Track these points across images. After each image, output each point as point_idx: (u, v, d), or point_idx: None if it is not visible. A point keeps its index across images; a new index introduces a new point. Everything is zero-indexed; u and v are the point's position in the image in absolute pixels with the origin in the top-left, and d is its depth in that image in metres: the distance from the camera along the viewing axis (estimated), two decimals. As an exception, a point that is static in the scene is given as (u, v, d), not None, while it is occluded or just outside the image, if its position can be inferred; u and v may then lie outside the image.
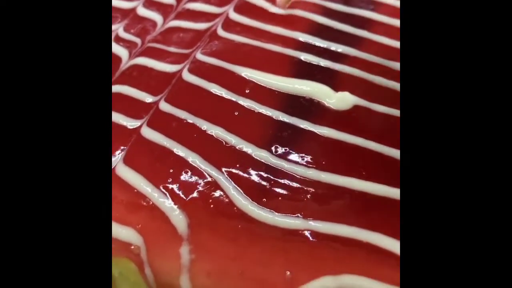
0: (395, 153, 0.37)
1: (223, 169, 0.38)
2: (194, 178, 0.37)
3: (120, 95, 0.44)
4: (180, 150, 0.39)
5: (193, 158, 0.38)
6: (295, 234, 0.34)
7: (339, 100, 0.40)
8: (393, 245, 0.33)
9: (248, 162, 0.38)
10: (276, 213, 0.35)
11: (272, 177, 0.37)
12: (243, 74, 0.44)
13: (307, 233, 0.34)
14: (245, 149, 0.38)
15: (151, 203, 0.37)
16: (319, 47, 0.45)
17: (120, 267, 0.38)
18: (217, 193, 0.37)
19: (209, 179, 0.37)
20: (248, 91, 0.42)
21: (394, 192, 0.35)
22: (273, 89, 0.42)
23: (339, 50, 0.45)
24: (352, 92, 0.41)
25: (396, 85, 0.42)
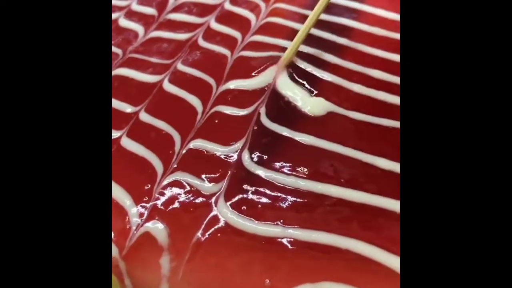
0: (373, 160, 0.37)
1: (203, 178, 0.38)
2: (173, 188, 0.37)
3: (100, 106, 0.44)
4: (159, 161, 0.39)
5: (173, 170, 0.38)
6: (275, 242, 0.34)
7: (314, 106, 0.40)
8: (372, 252, 0.33)
9: (229, 170, 0.38)
10: (256, 221, 0.35)
11: (252, 185, 0.37)
12: (224, 85, 0.44)
13: (286, 241, 0.34)
14: (225, 157, 0.39)
15: (130, 214, 0.37)
16: (303, 52, 0.46)
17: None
18: (197, 202, 0.36)
19: (189, 188, 0.37)
20: (230, 98, 0.43)
21: (372, 199, 0.35)
22: (257, 92, 0.43)
23: (320, 57, 0.45)
24: (329, 99, 0.41)
25: (374, 93, 0.42)
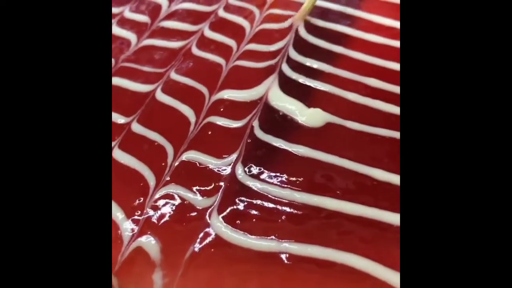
0: (369, 171, 0.36)
1: (196, 192, 0.37)
2: (166, 202, 0.37)
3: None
4: (151, 174, 0.38)
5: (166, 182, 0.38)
6: (270, 256, 0.33)
7: (311, 116, 0.40)
8: (367, 266, 0.32)
9: (222, 183, 0.37)
10: (250, 236, 0.34)
11: (246, 198, 0.36)
12: (217, 94, 0.43)
13: (281, 255, 0.33)
14: (218, 170, 0.38)
15: (121, 228, 0.36)
16: (295, 61, 0.45)
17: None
18: (190, 217, 0.36)
19: (182, 202, 0.36)
20: (223, 109, 0.42)
21: (368, 212, 0.34)
22: (249, 104, 0.42)
23: (314, 66, 0.45)
24: (325, 109, 0.40)
25: (370, 102, 0.41)
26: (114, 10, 0.56)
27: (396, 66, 0.45)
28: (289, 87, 0.42)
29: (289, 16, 0.51)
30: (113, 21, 0.55)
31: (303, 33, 0.48)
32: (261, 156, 0.38)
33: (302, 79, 0.43)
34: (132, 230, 0.36)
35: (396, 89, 0.43)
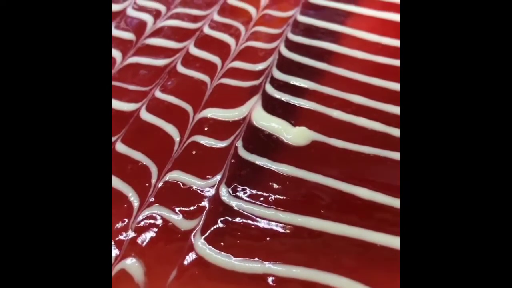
0: (354, 190, 0.36)
1: (180, 213, 0.37)
2: (150, 224, 0.36)
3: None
4: (135, 195, 0.38)
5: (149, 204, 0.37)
6: (255, 278, 0.33)
7: (297, 135, 0.40)
8: (352, 286, 0.32)
9: (206, 204, 0.37)
10: (234, 257, 0.34)
11: (230, 219, 0.36)
12: (201, 113, 0.43)
13: (266, 277, 0.33)
14: (202, 191, 0.38)
15: (105, 251, 0.36)
16: (279, 81, 0.45)
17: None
18: (174, 239, 0.35)
19: (165, 224, 0.36)
20: (207, 128, 0.42)
21: (352, 232, 0.34)
22: (232, 125, 0.42)
23: (298, 84, 0.45)
24: (310, 127, 0.40)
25: (355, 119, 0.41)
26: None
27: (380, 82, 0.45)
28: (273, 107, 0.43)
29: (274, 35, 0.51)
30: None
31: (287, 52, 0.48)
32: (245, 176, 0.38)
33: (286, 98, 0.43)
34: (116, 252, 0.36)
35: (379, 105, 0.43)
